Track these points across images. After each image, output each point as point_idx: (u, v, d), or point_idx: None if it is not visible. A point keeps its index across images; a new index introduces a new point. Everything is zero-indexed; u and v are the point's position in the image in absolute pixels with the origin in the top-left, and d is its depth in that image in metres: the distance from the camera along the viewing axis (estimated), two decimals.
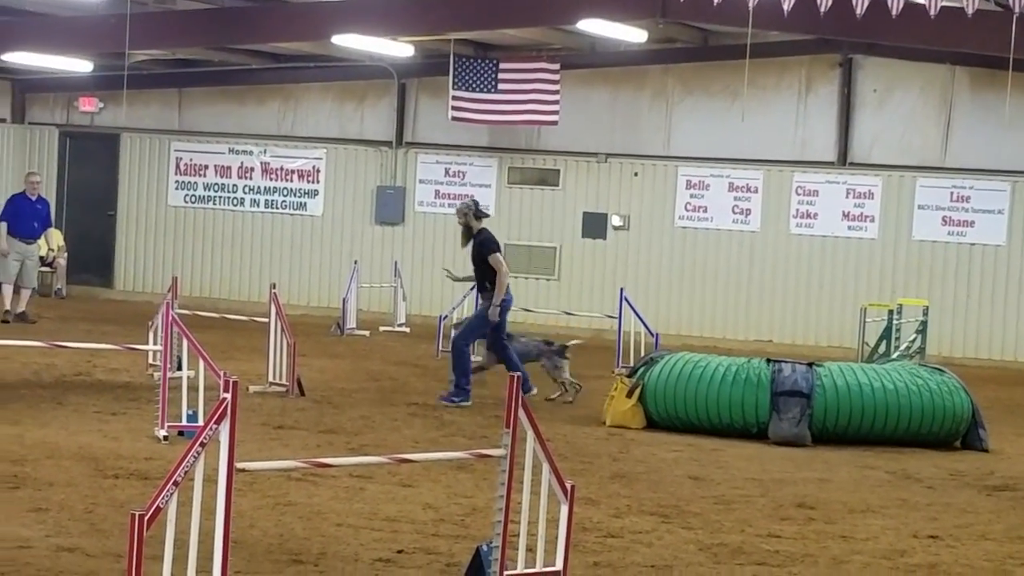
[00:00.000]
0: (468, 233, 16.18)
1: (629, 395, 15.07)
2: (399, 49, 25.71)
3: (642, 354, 18.81)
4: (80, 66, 27.53)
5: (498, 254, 16.17)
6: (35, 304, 22.68)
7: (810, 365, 15.03)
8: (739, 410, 14.64)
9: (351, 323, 24.15)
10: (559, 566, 8.14)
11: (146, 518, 6.60)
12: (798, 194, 26.09)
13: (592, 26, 22.96)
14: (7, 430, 12.62)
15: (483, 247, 16.06)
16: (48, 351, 16.89)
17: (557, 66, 26.35)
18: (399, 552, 8.96)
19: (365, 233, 28.27)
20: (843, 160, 25.88)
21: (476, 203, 16.56)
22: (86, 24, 23.48)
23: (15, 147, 29.89)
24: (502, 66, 26.62)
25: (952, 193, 25.33)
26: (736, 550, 9.58)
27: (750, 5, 14.06)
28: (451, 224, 27.98)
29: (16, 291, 22.55)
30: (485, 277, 16.11)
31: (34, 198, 23.16)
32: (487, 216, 16.73)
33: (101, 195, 29.51)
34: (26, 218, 22.84)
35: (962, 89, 25.14)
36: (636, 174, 26.96)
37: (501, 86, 26.67)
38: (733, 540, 9.88)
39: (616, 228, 26.98)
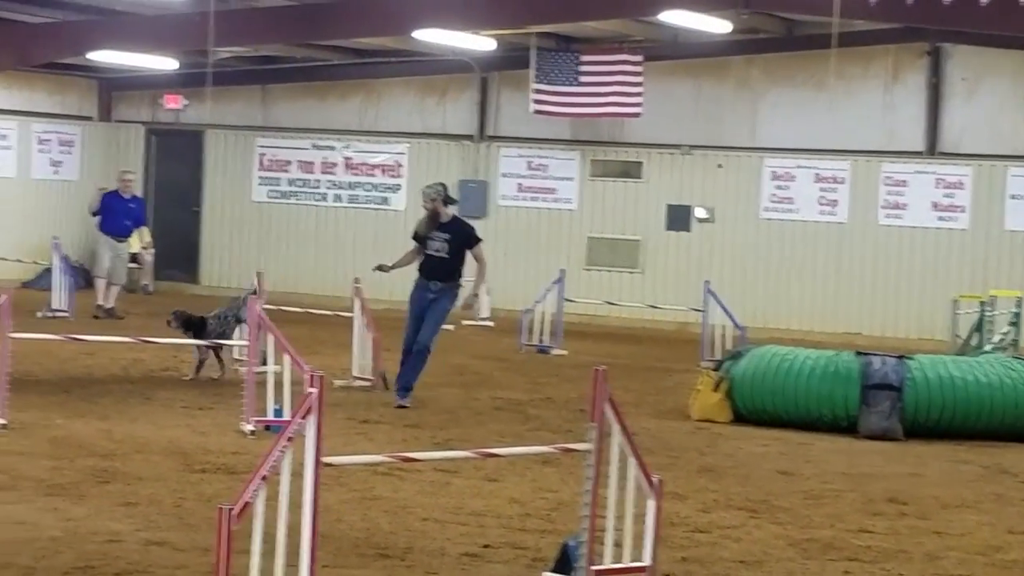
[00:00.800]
0: (435, 219, 15.50)
1: (715, 389, 15.03)
2: (481, 43, 25.72)
3: (728, 348, 18.74)
4: (165, 64, 27.78)
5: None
6: (123, 300, 22.90)
7: (900, 358, 14.90)
8: (828, 403, 14.54)
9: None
10: (647, 561, 8.11)
11: (235, 512, 6.65)
12: (886, 185, 25.84)
13: (675, 17, 22.87)
14: (97, 425, 12.77)
15: (471, 236, 15.60)
16: (136, 346, 17.04)
17: (640, 58, 26.24)
18: (485, 547, 8.98)
19: None
20: (932, 150, 25.61)
21: (446, 187, 15.95)
22: (171, 22, 23.65)
23: (102, 145, 30.19)
24: (584, 58, 26.56)
25: None
26: (827, 545, 9.53)
27: None
28: (534, 218, 28.08)
29: (105, 287, 22.84)
30: (457, 265, 15.51)
31: (127, 197, 23.36)
32: (455, 203, 16.28)
33: (186, 191, 29.77)
34: (119, 216, 23.09)
35: None
36: (720, 166, 26.82)
37: (583, 79, 26.61)
38: (824, 535, 9.82)
39: (700, 220, 26.85)
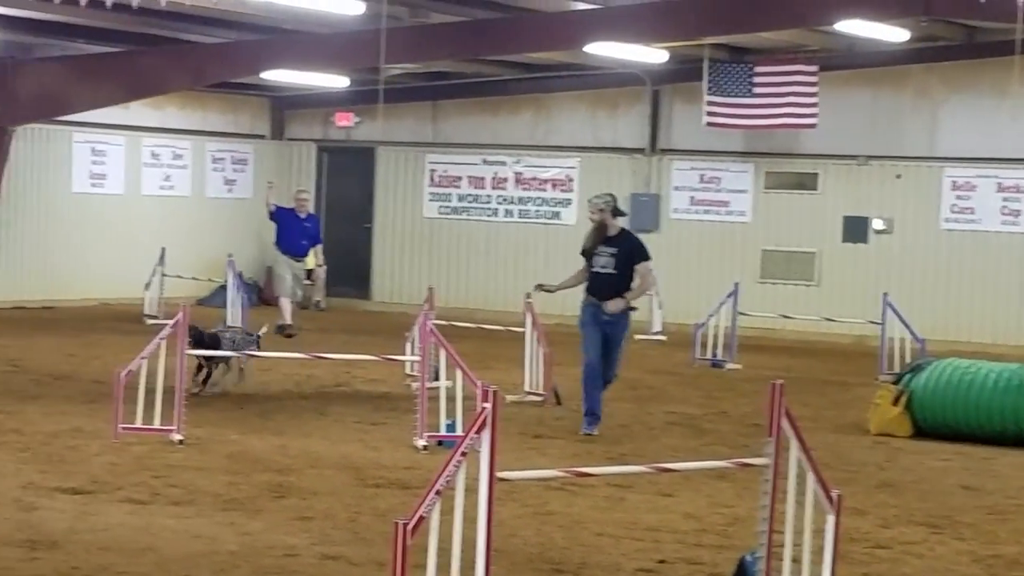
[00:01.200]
0: (602, 231, 14.34)
1: (895, 403, 14.85)
2: (652, 55, 25.69)
3: (907, 361, 18.46)
4: (337, 82, 28.17)
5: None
6: (296, 317, 23.23)
7: None
8: (1012, 417, 14.30)
9: None
10: None
11: (409, 527, 6.70)
12: None
13: (851, 26, 22.59)
14: (272, 440, 12.98)
15: (640, 252, 14.41)
16: (309, 362, 17.30)
17: (815, 68, 26.03)
18: (661, 562, 8.98)
19: None
20: None
21: (615, 198, 14.82)
22: (342, 40, 23.93)
23: (275, 163, 30.67)
24: (757, 69, 26.42)
25: None
26: (1013, 562, 9.40)
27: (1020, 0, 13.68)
28: (707, 232, 27.96)
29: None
30: (626, 283, 14.21)
31: (303, 215, 23.42)
32: (624, 215, 15.29)
33: (358, 208, 30.15)
34: (296, 235, 23.16)
35: None
36: (899, 176, 26.50)
37: (756, 90, 26.47)
38: (1010, 552, 9.68)
39: (878, 232, 26.53)
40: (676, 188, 28.32)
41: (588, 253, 14.35)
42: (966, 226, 25.92)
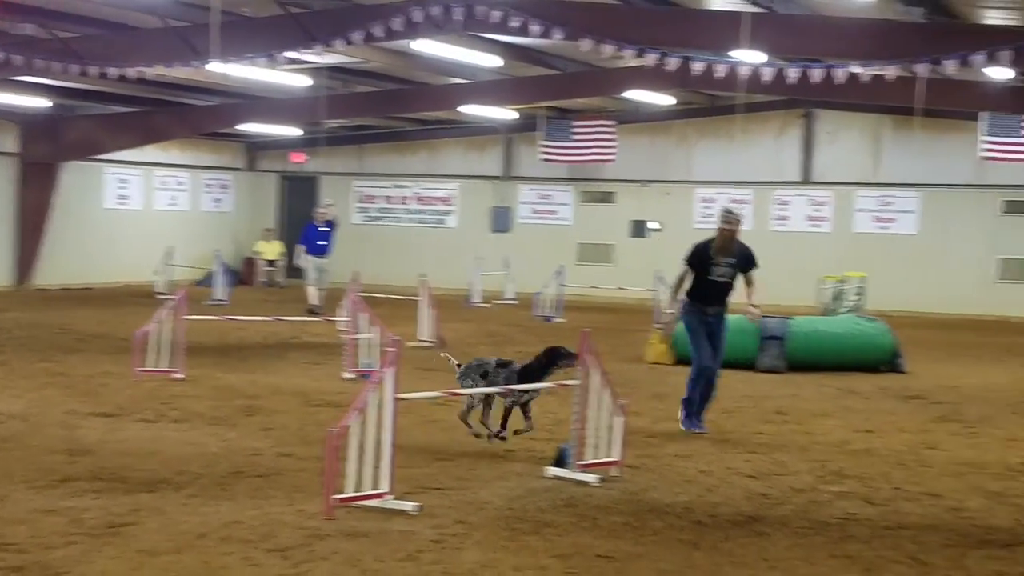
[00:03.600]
0: (731, 243, 10.14)
1: (663, 341, 14.96)
2: (506, 114, 25.70)
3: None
4: (292, 131, 27.82)
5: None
6: (274, 295, 22.53)
7: (783, 318, 14.87)
8: (738, 350, 14.40)
9: (476, 298, 24.21)
10: (616, 457, 8.12)
11: (337, 432, 6.67)
12: (775, 204, 25.79)
13: (636, 95, 22.80)
14: (246, 376, 12.77)
15: (754, 260, 10.27)
16: (273, 323, 17.02)
17: (613, 122, 26.21)
18: (508, 451, 8.86)
19: (485, 238, 28.31)
20: (806, 179, 25.55)
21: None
22: (295, 103, 23.66)
23: (249, 188, 30.34)
24: (575, 123, 26.52)
25: (880, 200, 24.99)
26: (736, 443, 9.51)
27: (741, 77, 13.88)
28: (543, 231, 28.02)
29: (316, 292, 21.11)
30: (732, 290, 10.31)
31: (320, 224, 21.28)
32: None
33: (308, 218, 29.61)
34: (314, 240, 21.14)
35: (887, 129, 24.71)
36: (668, 193, 26.74)
37: (574, 137, 26.56)
38: (733, 436, 9.81)
39: (653, 231, 26.78)
40: (522, 202, 28.36)
41: (707, 263, 10.13)
42: (708, 226, 26.01)
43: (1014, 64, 11.74)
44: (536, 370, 8.86)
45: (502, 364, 9.05)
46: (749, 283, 10.23)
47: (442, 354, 10.01)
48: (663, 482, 7.97)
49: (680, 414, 10.25)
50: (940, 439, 9.92)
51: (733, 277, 10.15)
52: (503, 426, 8.94)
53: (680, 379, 13.35)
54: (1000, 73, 16.70)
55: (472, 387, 8.88)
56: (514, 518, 6.82)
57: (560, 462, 8.01)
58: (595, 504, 7.23)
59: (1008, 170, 23.29)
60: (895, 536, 6.58)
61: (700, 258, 10.16)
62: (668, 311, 10.65)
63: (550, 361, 8.81)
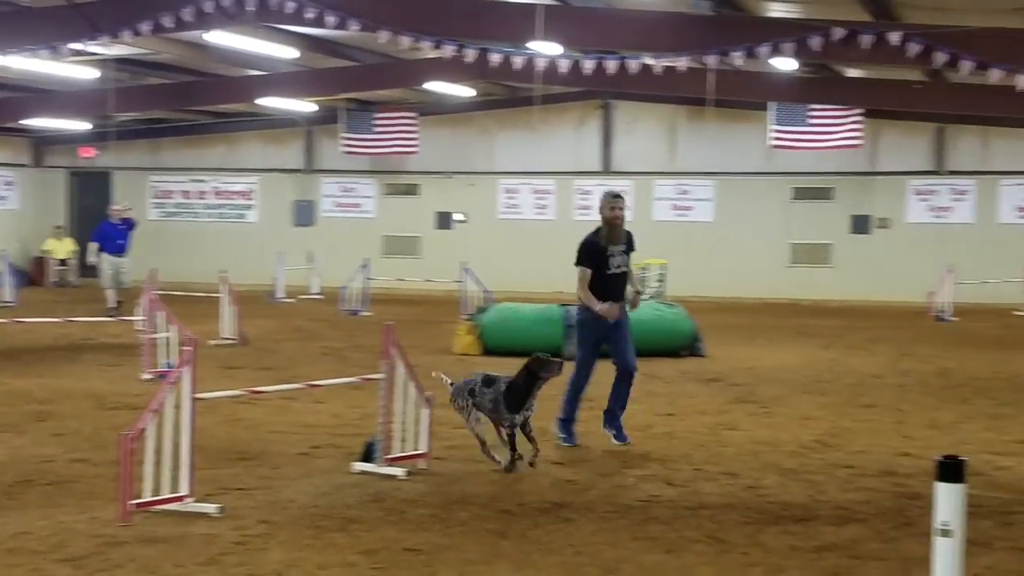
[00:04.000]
0: (620, 230, 9.13)
1: (470, 332, 15.05)
2: (305, 106, 25.34)
3: (478, 305, 18.76)
4: (81, 125, 26.72)
5: None
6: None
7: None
8: (545, 338, 14.56)
9: (280, 293, 23.80)
10: (424, 449, 8.10)
11: (133, 436, 6.42)
12: (577, 193, 26.29)
13: (436, 86, 22.82)
14: (36, 381, 12.21)
15: (634, 241, 9.30)
16: (65, 325, 16.37)
17: (415, 114, 26.22)
18: (314, 447, 8.84)
19: (288, 232, 27.88)
20: (606, 169, 26.13)
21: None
22: (85, 96, 22.71)
23: (36, 185, 28.99)
24: (376, 115, 26.38)
25: (677, 189, 25.78)
26: (543, 431, 9.52)
27: (538, 69, 14.06)
28: (348, 224, 27.82)
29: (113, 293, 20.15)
30: (628, 278, 9.23)
31: (117, 222, 20.23)
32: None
33: (101, 216, 28.59)
34: (111, 238, 20.08)
35: (682, 120, 25.52)
36: (472, 184, 26.91)
37: (376, 129, 26.42)
38: (542, 424, 9.82)
39: (459, 222, 26.92)
40: (325, 196, 28.07)
41: (601, 257, 9.02)
42: (514, 217, 26.56)
43: (797, 56, 12.27)
44: (520, 387, 7.97)
45: (488, 382, 8.11)
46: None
47: (434, 373, 8.85)
48: (471, 473, 7.98)
49: (558, 430, 9.12)
50: (738, 420, 10.26)
51: (627, 264, 9.17)
52: (513, 449, 8.01)
53: (488, 368, 13.47)
54: (785, 64, 17.46)
55: (465, 408, 8.10)
56: (320, 516, 6.71)
57: (367, 457, 7.94)
58: (403, 498, 7.18)
59: (796, 158, 24.42)
60: (695, 516, 6.77)
61: (594, 254, 8.99)
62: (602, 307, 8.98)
63: (531, 375, 7.93)
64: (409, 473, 7.77)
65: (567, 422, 9.21)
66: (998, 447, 9.06)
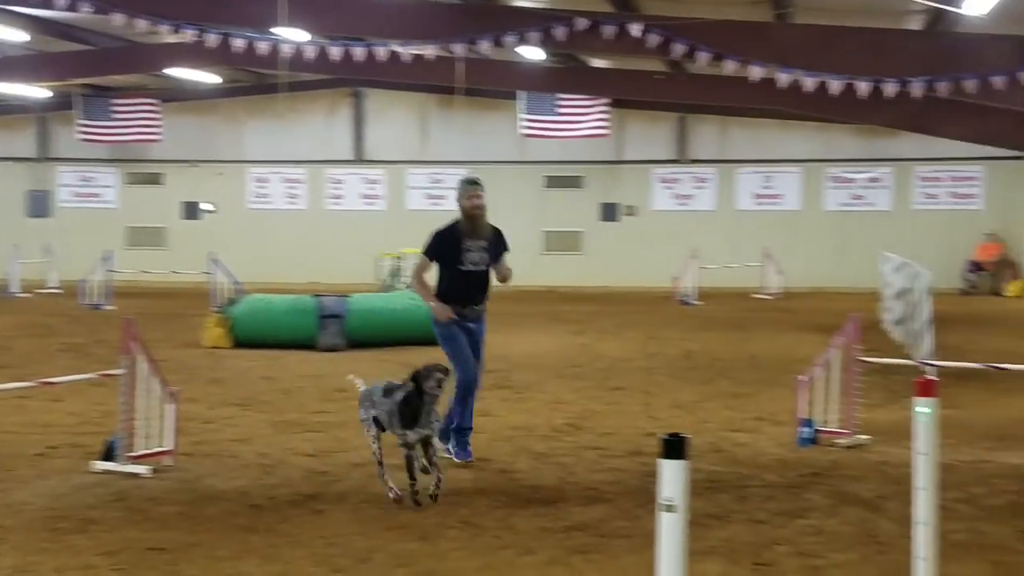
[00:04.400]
0: (480, 222, 8.24)
1: (220, 325, 14.69)
2: (38, 91, 24.03)
3: (229, 297, 18.33)
4: None
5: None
6: None
7: (343, 296, 15.02)
8: (296, 330, 14.46)
9: (15, 288, 22.50)
10: (169, 446, 7.85)
11: None
12: (329, 182, 26.08)
13: (179, 72, 22.06)
14: None
15: (505, 240, 8.40)
16: None
17: (157, 101, 25.33)
18: (51, 448, 8.43)
19: (22, 224, 26.41)
20: (359, 158, 26.01)
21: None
22: None
23: None
24: (114, 101, 25.35)
25: (431, 178, 25.95)
26: (294, 423, 9.50)
27: (284, 55, 13.80)
28: (88, 216, 26.59)
29: None
30: (489, 280, 8.31)
31: None
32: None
33: None
34: None
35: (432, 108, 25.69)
36: (220, 173, 26.25)
37: (115, 116, 25.39)
38: (292, 417, 9.79)
39: (207, 212, 26.23)
40: (62, 185, 26.80)
41: (455, 250, 8.09)
42: (264, 206, 26.06)
43: (543, 45, 12.53)
44: (413, 399, 6.85)
45: (388, 391, 7.02)
46: (501, 273, 8.20)
47: (348, 376, 7.84)
48: (220, 468, 7.80)
49: (447, 445, 8.00)
50: (493, 406, 10.41)
51: (488, 264, 8.12)
52: (412, 477, 6.76)
53: (240, 362, 13.25)
54: (533, 54, 17.82)
55: (365, 419, 7.07)
56: (57, 517, 6.41)
57: (108, 455, 7.63)
58: (147, 496, 6.94)
59: (548, 147, 24.99)
60: (448, 502, 6.83)
61: (445, 246, 8.03)
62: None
63: (419, 387, 6.83)
64: (154, 471, 7.51)
65: (459, 431, 8.01)
66: (737, 424, 9.56)
